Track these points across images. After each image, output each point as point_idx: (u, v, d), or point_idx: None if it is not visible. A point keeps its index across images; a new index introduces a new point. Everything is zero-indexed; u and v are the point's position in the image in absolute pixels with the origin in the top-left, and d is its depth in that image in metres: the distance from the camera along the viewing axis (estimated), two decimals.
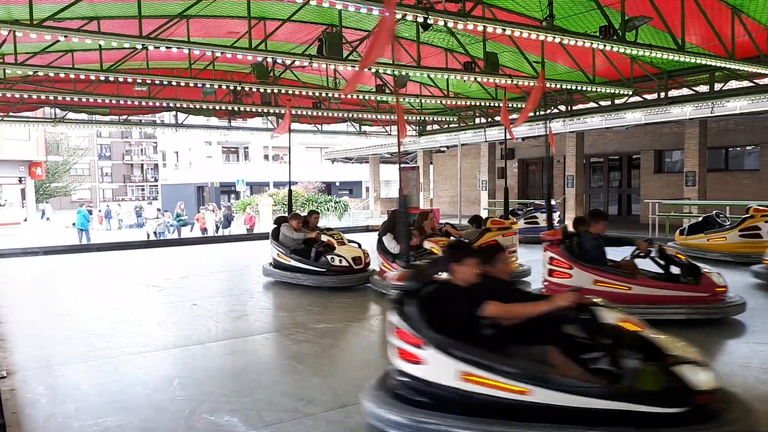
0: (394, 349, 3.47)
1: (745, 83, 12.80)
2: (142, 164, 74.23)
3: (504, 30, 8.47)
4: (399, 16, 7.93)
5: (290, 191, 11.31)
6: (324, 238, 9.12)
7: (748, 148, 17.74)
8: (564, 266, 6.47)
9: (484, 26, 8.47)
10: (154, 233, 22.73)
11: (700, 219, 11.68)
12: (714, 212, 11.72)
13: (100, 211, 36.70)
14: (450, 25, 8.33)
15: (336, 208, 26.18)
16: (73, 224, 22.11)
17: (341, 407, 4.04)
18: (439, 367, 3.22)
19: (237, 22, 11.01)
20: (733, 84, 13.15)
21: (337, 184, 43.27)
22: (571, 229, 6.89)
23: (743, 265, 9.18)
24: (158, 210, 26.66)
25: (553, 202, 15.32)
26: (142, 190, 73.06)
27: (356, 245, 9.14)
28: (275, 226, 9.56)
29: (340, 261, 8.62)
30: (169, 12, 9.87)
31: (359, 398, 3.60)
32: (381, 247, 8.57)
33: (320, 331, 6.32)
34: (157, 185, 57.74)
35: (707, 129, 16.20)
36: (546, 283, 6.74)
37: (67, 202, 56.39)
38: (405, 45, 12.37)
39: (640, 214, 18.98)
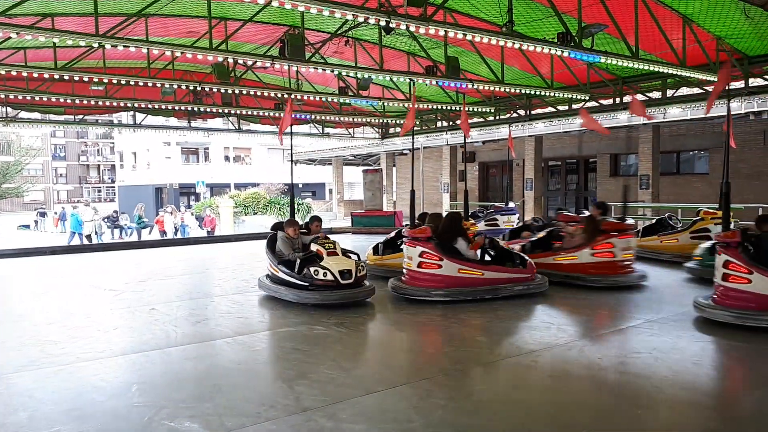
0: None
1: (696, 90, 13.29)
2: (99, 165, 72.40)
3: (465, 35, 8.60)
4: (361, 19, 7.98)
5: (292, 194, 9.56)
6: (313, 247, 7.68)
7: (698, 152, 18.39)
8: (742, 270, 5.95)
9: (445, 31, 8.59)
10: (88, 236, 22.01)
11: (654, 221, 12.06)
12: (667, 214, 12.11)
13: (55, 213, 35.61)
14: (412, 29, 8.42)
15: (299, 210, 26.06)
16: (24, 226, 21.35)
17: (303, 411, 4.04)
18: None
19: (197, 21, 10.88)
20: (684, 90, 13.63)
21: (300, 185, 43.05)
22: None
23: None
24: (115, 212, 26.00)
25: (512, 204, 15.67)
26: (99, 191, 71.25)
27: (354, 256, 7.78)
28: (272, 232, 8.36)
29: (324, 274, 7.22)
30: (126, 10, 9.70)
31: None
32: (448, 249, 7.58)
33: (282, 334, 6.29)
34: (114, 186, 56.34)
35: (660, 134, 16.75)
36: (720, 289, 6.17)
37: (19, 204, 54.54)
38: (368, 48, 12.42)
39: None
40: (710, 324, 6.10)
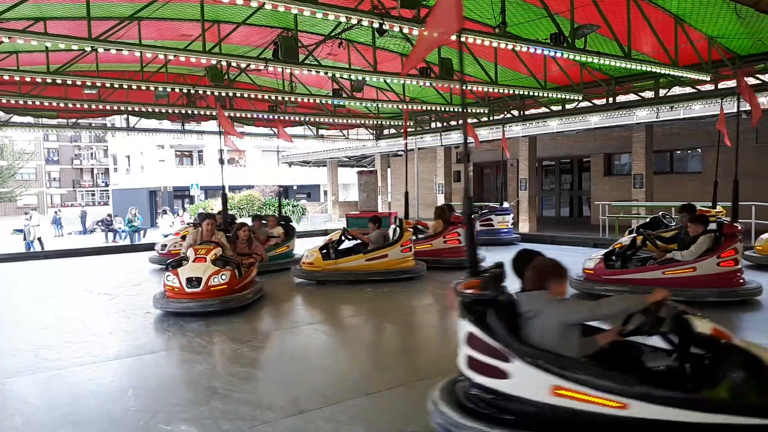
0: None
1: (688, 89, 13.35)
2: (92, 168, 72.18)
3: (458, 36, 8.60)
4: (354, 21, 7.98)
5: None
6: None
7: (691, 151, 18.48)
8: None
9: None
10: (38, 241, 21.08)
11: (648, 220, 12.10)
12: (660, 213, 12.15)
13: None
14: (405, 31, 8.42)
15: (294, 212, 26.03)
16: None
17: (300, 413, 4.04)
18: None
19: (190, 24, 10.86)
20: (677, 90, 13.69)
21: (295, 187, 42.99)
22: None
23: None
24: (109, 215, 25.86)
25: (506, 204, 15.70)
26: (93, 195, 71.01)
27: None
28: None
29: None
30: (119, 14, 9.66)
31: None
32: None
33: (277, 336, 6.29)
34: (108, 190, 56.18)
35: (653, 133, 16.81)
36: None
37: (12, 208, 54.28)
38: (361, 50, 12.42)
39: (591, 216, 19.52)
40: None
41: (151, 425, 3.91)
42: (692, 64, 11.40)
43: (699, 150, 17.99)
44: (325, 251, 9.53)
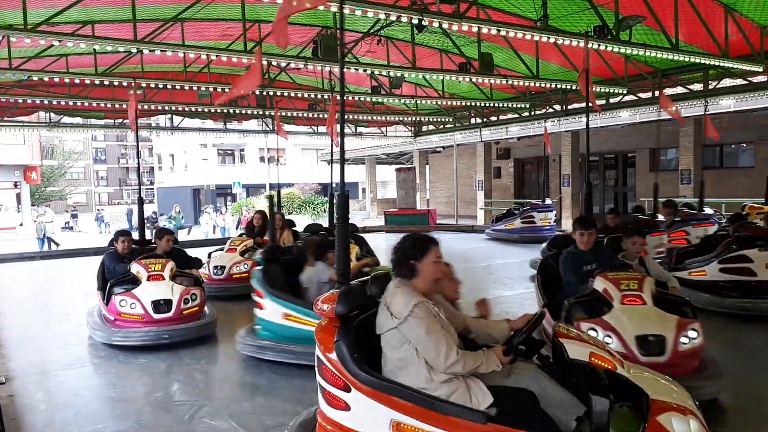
0: None
1: (739, 81, 12.88)
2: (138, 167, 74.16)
3: (498, 31, 8.49)
4: (393, 18, 7.95)
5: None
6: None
7: (742, 145, 17.82)
8: None
9: (478, 27, 8.50)
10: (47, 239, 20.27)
11: None
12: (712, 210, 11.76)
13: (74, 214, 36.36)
14: (445, 26, 8.35)
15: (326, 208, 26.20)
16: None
17: None
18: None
19: (231, 24, 11.01)
20: (727, 82, 13.22)
21: (334, 185, 43.24)
22: None
23: None
24: (154, 213, 26.50)
25: (548, 201, 15.45)
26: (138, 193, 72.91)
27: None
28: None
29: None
30: (163, 15, 9.87)
31: None
32: None
33: None
34: (153, 188, 57.66)
35: (702, 127, 16.26)
36: None
37: (62, 206, 56.20)
38: (400, 46, 12.39)
39: None
40: None
41: (196, 419, 3.98)
42: (744, 55, 10.98)
43: (747, 144, 17.35)
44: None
